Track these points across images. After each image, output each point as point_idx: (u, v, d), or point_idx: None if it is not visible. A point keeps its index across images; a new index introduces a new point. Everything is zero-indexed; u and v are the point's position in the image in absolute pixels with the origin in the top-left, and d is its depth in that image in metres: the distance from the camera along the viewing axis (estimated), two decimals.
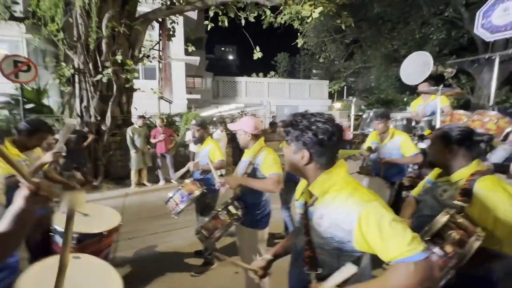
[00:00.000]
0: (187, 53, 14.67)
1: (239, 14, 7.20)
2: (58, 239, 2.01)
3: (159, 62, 7.65)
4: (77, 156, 5.57)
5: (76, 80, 6.22)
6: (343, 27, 7.15)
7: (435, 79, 4.26)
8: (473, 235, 1.17)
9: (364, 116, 4.16)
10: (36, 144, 2.22)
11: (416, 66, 3.87)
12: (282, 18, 7.01)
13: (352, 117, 4.65)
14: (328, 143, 1.00)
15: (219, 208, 2.02)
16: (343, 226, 0.96)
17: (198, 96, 16.53)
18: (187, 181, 2.70)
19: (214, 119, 12.09)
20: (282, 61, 26.59)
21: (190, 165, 2.83)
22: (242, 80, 19.36)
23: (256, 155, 2.07)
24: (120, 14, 5.98)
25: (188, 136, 6.98)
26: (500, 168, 2.76)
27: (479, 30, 3.64)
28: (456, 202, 1.31)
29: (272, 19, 7.10)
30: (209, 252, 2.91)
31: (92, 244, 2.03)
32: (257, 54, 7.32)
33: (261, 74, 22.26)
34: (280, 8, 6.87)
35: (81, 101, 6.25)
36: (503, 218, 1.19)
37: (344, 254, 0.99)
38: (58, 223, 2.00)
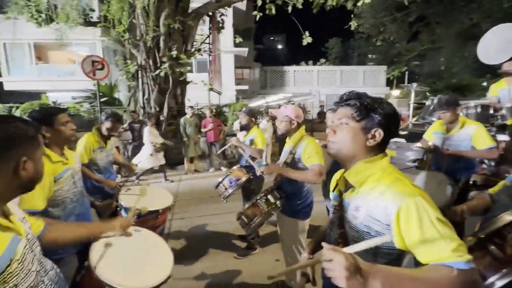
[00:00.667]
0: (235, 44, 15.00)
1: (286, 0, 6.99)
2: (124, 214, 2.33)
3: (209, 55, 8.00)
4: (141, 144, 6.28)
5: (139, 75, 6.95)
6: (406, 3, 6.34)
7: None
8: None
9: (427, 103, 3.65)
10: (113, 133, 2.62)
11: (500, 42, 3.18)
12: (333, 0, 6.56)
13: (411, 105, 4.11)
14: (394, 126, 0.95)
15: (258, 196, 2.06)
16: (380, 219, 0.88)
17: (246, 87, 16.85)
18: (235, 167, 2.81)
19: (261, 109, 12.20)
20: (333, 47, 25.01)
21: (233, 140, 2.94)
22: (290, 69, 18.97)
23: (297, 145, 2.02)
24: (175, 12, 6.40)
25: (236, 126, 7.22)
26: None
27: None
28: None
29: (322, 1, 6.70)
30: (251, 237, 3.01)
31: (149, 220, 2.29)
32: (307, 39, 7.03)
33: (310, 62, 21.41)
34: None
35: (143, 94, 6.99)
36: None
37: (381, 252, 0.91)
38: (123, 200, 2.31)
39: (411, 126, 6.46)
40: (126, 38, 6.57)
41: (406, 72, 12.78)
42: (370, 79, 18.24)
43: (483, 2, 10.38)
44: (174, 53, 6.44)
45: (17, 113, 6.78)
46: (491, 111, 2.92)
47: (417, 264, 0.88)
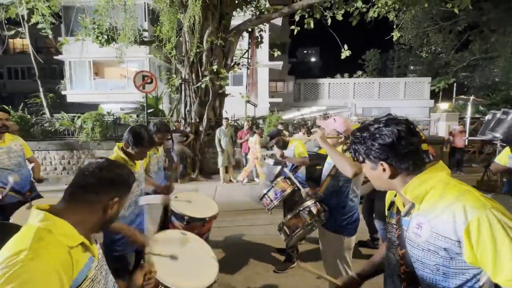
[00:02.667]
0: (271, 58, 15.36)
1: (325, 14, 7.03)
2: (174, 219, 2.46)
3: (247, 68, 8.30)
4: (181, 151, 6.65)
5: (182, 88, 7.44)
6: (457, 11, 5.95)
7: None
8: None
9: (488, 118, 3.33)
10: (162, 141, 2.83)
11: None
12: (375, 11, 6.43)
13: (468, 120, 3.76)
14: (401, 145, 0.88)
15: (300, 207, 2.02)
16: (448, 235, 0.81)
17: (279, 100, 16.99)
18: (279, 179, 2.81)
19: (295, 121, 12.15)
20: (371, 59, 24.22)
21: (277, 153, 2.96)
22: (324, 82, 18.74)
23: None
24: (217, 29, 6.82)
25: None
26: None
27: None
28: None
29: (364, 11, 6.61)
30: (291, 250, 2.94)
31: (197, 227, 2.37)
32: (345, 53, 6.97)
33: (346, 74, 20.94)
34: (373, 1, 6.32)
35: (185, 106, 7.44)
36: None
37: (451, 270, 0.83)
38: (174, 207, 2.44)
39: (466, 143, 5.86)
40: (173, 54, 7.12)
41: (454, 84, 11.79)
42: (412, 92, 17.18)
43: None
44: (215, 67, 6.81)
45: (78, 121, 7.67)
46: None
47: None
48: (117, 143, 1.86)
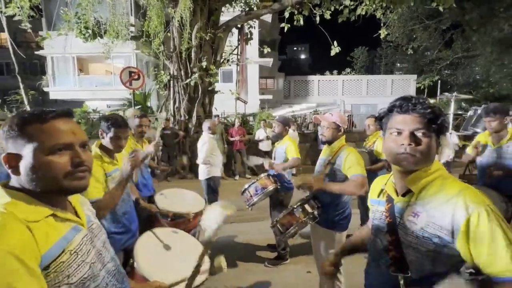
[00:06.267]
0: (261, 55, 15.31)
1: (314, 11, 7.05)
2: (158, 216, 2.42)
3: (237, 65, 8.23)
4: (171, 150, 6.55)
5: (171, 85, 7.31)
6: (441, 9, 6.12)
7: None
8: None
9: (470, 114, 3.46)
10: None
11: None
12: (362, 8, 6.51)
13: (451, 116, 3.90)
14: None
15: (295, 205, 2.04)
16: (446, 226, 0.85)
17: (270, 97, 17.00)
18: (262, 175, 2.81)
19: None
20: (359, 56, 24.57)
21: (265, 162, 2.94)
22: (314, 79, 18.89)
23: (336, 154, 1.99)
24: (206, 25, 6.72)
25: (258, 135, 7.26)
26: None
27: None
28: None
29: (350, 11, 6.68)
30: (282, 247, 2.97)
31: (183, 223, 2.35)
32: (335, 50, 7.01)
33: (335, 72, 21.18)
34: None
35: (174, 103, 7.31)
36: None
37: (441, 258, 0.88)
38: (159, 203, 2.40)
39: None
40: (161, 50, 6.97)
41: (439, 82, 12.18)
42: (398, 89, 17.59)
43: None
44: (204, 63, 6.72)
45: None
46: None
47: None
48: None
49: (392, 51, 16.85)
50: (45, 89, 14.15)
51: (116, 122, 1.74)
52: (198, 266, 1.06)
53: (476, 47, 12.81)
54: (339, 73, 20.84)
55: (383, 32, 7.14)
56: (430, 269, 0.91)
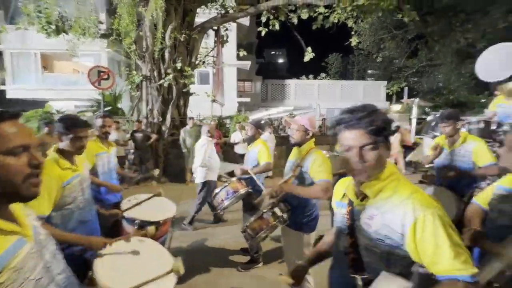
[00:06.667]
0: (238, 58, 15.34)
1: (289, 16, 7.21)
2: (125, 223, 2.30)
3: (213, 67, 8.16)
4: (143, 153, 6.29)
5: (144, 86, 7.05)
6: (407, 21, 6.54)
7: None
8: None
9: (429, 118, 3.71)
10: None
11: (499, 60, 3.28)
12: (335, 17, 6.77)
13: (414, 120, 4.17)
14: (389, 134, 0.93)
15: (264, 209, 2.04)
16: (396, 228, 0.90)
17: (247, 100, 17.05)
18: (234, 179, 2.79)
19: (262, 121, 12.29)
20: (333, 62, 25.54)
21: (237, 170, 2.92)
22: (291, 83, 19.26)
23: (305, 157, 2.03)
24: (181, 26, 6.59)
25: (233, 138, 7.23)
26: None
27: None
28: None
29: (324, 19, 6.92)
30: (254, 251, 2.96)
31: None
32: (309, 55, 7.21)
33: (311, 76, 21.78)
34: (333, 7, 6.65)
35: (147, 105, 7.05)
36: None
37: (394, 259, 0.92)
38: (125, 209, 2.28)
39: (413, 141, 6.45)
40: (133, 49, 6.71)
41: (406, 88, 13.03)
42: (370, 94, 18.50)
43: (478, 22, 10.72)
44: (178, 65, 6.57)
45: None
46: (494, 127, 2.96)
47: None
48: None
49: (363, 58, 17.70)
50: (1, 87, 12.99)
51: (74, 122, 1.64)
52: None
53: (438, 57, 13.84)
54: (314, 78, 21.46)
55: (354, 40, 7.47)
56: (385, 270, 0.94)
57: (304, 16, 6.81)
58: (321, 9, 6.66)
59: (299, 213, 2.14)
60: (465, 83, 13.91)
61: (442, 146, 2.61)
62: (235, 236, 3.58)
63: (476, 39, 11.06)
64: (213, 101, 8.11)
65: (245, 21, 15.76)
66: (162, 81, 6.63)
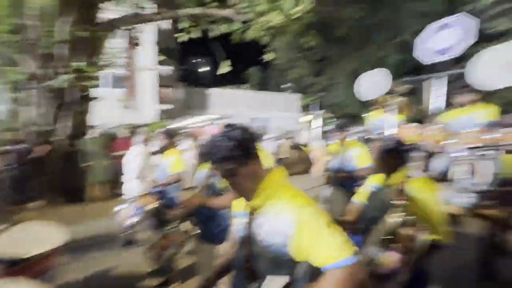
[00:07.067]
0: (160, 63, 14.40)
1: (210, 27, 7.26)
2: None
3: (126, 70, 7.37)
4: (24, 170, 5.00)
5: (29, 86, 5.71)
6: (312, 44, 7.56)
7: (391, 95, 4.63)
8: (419, 229, 1.30)
9: (329, 128, 4.34)
10: None
11: (372, 82, 4.16)
12: (252, 32, 7.20)
13: (320, 129, 4.80)
14: (249, 152, 0.98)
15: (172, 225, 1.91)
16: (281, 233, 0.95)
17: (170, 107, 16.13)
18: (142, 193, 2.54)
19: (185, 130, 11.82)
20: (254, 74, 27.13)
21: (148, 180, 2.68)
22: (215, 92, 19.33)
23: None
24: (81, 19, 5.69)
25: (151, 147, 6.68)
26: (440, 177, 2.99)
27: (417, 54, 4.04)
28: (398, 202, 1.47)
29: (242, 33, 7.25)
30: (167, 270, 2.72)
31: (31, 266, 1.79)
32: (225, 67, 7.38)
33: (234, 86, 22.45)
34: (250, 23, 7.07)
35: (36, 109, 5.73)
36: (434, 210, 1.43)
37: (283, 262, 0.98)
38: None
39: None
40: (13, 40, 5.38)
41: (315, 102, 15.05)
42: (286, 106, 20.35)
43: (364, 52, 13.45)
44: (77, 64, 5.61)
45: None
46: (370, 136, 3.71)
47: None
48: None
49: (279, 73, 19.46)
50: None
51: None
52: None
53: (337, 77, 16.48)
54: (238, 88, 22.18)
55: (269, 56, 8.10)
56: (275, 274, 0.98)
57: (223, 29, 6.98)
58: (236, 26, 6.97)
59: (210, 225, 2.10)
60: (356, 99, 17.13)
61: (335, 152, 3.08)
62: (141, 258, 3.23)
63: (363, 64, 13.77)
64: (126, 107, 7.29)
65: (168, 24, 15.06)
66: (54, 81, 5.52)
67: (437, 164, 3.06)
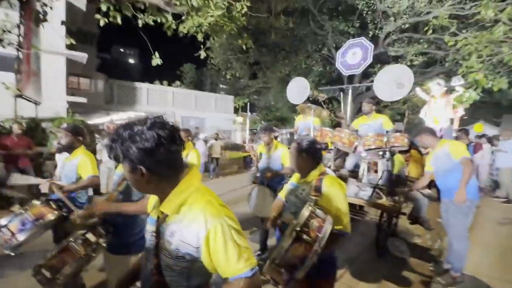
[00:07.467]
0: (70, 47, 12.13)
1: (136, 14, 6.56)
2: None
3: (18, 50, 5.95)
4: None
5: None
6: (244, 48, 7.68)
7: (313, 102, 5.17)
8: (326, 220, 1.42)
9: (258, 130, 4.52)
10: None
11: (298, 89, 4.55)
12: (184, 27, 6.86)
13: (247, 131, 4.98)
14: (160, 151, 0.87)
15: (71, 237, 1.60)
16: (192, 243, 0.90)
17: (84, 100, 13.87)
18: (37, 202, 2.06)
19: (103, 127, 10.39)
20: (188, 71, 26.07)
21: (42, 185, 2.19)
22: (143, 87, 17.69)
23: None
24: None
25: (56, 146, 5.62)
26: (351, 174, 3.49)
27: (339, 66, 4.66)
28: (311, 197, 1.63)
29: (174, 26, 6.83)
30: None
31: None
32: (156, 60, 6.81)
33: (165, 82, 21.05)
34: (183, 18, 6.72)
35: None
36: (340, 203, 1.62)
37: (194, 273, 0.93)
38: None
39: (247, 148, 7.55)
40: None
41: (249, 103, 15.50)
42: (221, 106, 20.32)
43: (292, 60, 14.58)
44: None
45: None
46: (296, 137, 4.02)
47: None
48: None
49: (215, 73, 19.25)
50: None
51: None
52: None
53: (269, 81, 17.35)
54: (169, 85, 20.90)
55: (202, 54, 7.89)
56: (186, 285, 0.93)
57: (149, 20, 6.40)
58: (169, 18, 6.53)
59: (125, 233, 1.87)
60: (285, 103, 18.46)
61: (261, 152, 3.21)
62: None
63: (291, 72, 14.92)
64: (19, 96, 5.90)
65: (81, 3, 12.94)
66: None
67: (348, 163, 3.52)
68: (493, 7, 5.11)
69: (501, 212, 5.68)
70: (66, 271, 1.51)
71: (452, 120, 7.78)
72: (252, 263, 0.89)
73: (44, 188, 2.23)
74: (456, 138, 6.11)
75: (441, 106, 7.61)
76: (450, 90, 7.77)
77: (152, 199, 1.14)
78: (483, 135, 8.18)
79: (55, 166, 5.77)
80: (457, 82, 7.44)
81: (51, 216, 2.06)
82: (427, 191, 3.95)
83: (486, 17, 5.25)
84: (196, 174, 1.00)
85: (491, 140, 7.80)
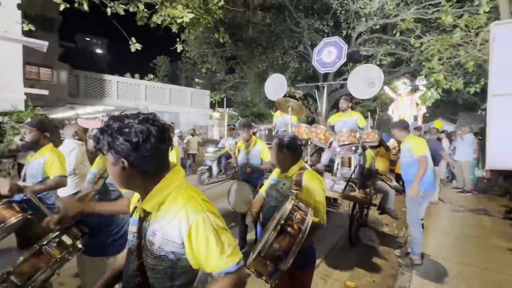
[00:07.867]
0: (28, 33, 11.00)
1: (105, 2, 6.13)
2: None
3: None
4: None
5: None
6: (222, 41, 7.56)
7: (290, 98, 5.29)
8: (308, 213, 1.48)
9: (236, 125, 4.53)
10: None
11: (275, 86, 4.61)
12: (158, 18, 6.57)
13: (225, 127, 4.95)
14: (146, 147, 0.85)
15: (45, 240, 1.51)
16: (176, 240, 0.89)
17: (45, 92, 12.75)
18: None
19: (71, 121, 9.68)
20: (162, 64, 25.05)
21: (3, 187, 2.02)
22: (112, 79, 16.68)
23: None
24: None
25: (17, 143, 5.16)
26: (327, 168, 3.65)
27: (315, 64, 4.79)
28: (292, 191, 1.70)
29: (146, 16, 6.50)
30: None
31: None
32: (135, 46, 6.41)
33: (137, 75, 20.05)
34: (156, 8, 6.44)
35: None
36: (319, 197, 1.70)
37: (177, 272, 0.92)
38: None
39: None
40: None
41: (225, 98, 15.32)
42: (196, 101, 19.86)
43: (269, 56, 14.64)
44: None
45: None
46: (274, 133, 4.09)
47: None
48: None
49: (191, 66, 18.72)
50: None
51: None
52: None
53: (246, 76, 17.30)
54: (141, 78, 19.95)
55: (179, 47, 7.62)
56: (169, 286, 0.92)
57: (120, 9, 6.04)
58: (141, 6, 6.22)
59: (102, 234, 1.80)
60: (262, 99, 18.56)
61: (240, 148, 3.23)
62: None
63: (268, 68, 14.99)
64: None
65: None
66: None
67: (324, 158, 3.68)
68: (451, 13, 5.55)
69: (457, 200, 6.29)
70: (40, 277, 1.42)
71: (415, 117, 8.41)
72: (235, 259, 0.89)
73: (3, 189, 2.06)
74: (425, 133, 6.62)
75: (406, 104, 8.20)
76: (415, 89, 8.39)
77: (135, 198, 1.11)
78: (442, 131, 8.95)
79: (14, 165, 5.31)
80: (421, 81, 8.06)
81: (14, 219, 1.91)
82: (394, 183, 4.27)
83: (446, 22, 5.69)
84: (180, 171, 0.99)
85: (449, 136, 8.56)
